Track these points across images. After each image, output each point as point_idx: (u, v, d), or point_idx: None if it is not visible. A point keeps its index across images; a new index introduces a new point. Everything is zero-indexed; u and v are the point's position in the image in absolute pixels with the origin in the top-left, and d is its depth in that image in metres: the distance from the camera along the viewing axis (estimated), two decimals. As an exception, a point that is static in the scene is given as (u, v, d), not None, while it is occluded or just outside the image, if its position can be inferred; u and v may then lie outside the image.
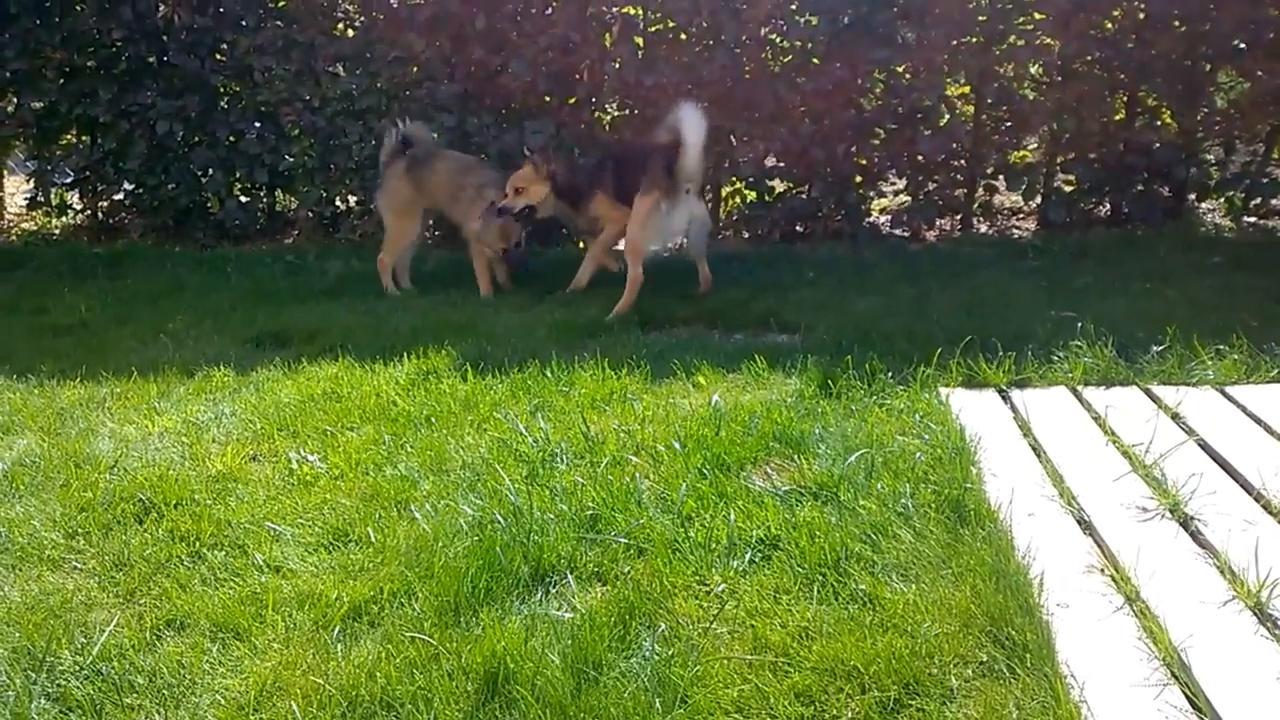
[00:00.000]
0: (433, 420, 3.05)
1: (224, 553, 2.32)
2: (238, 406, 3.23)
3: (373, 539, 2.34)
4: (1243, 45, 5.12)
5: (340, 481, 2.66)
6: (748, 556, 2.22)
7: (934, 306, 4.12)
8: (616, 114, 5.99)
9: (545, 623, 1.98)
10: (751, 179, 5.84)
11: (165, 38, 6.05)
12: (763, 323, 4.20)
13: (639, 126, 5.75)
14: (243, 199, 6.41)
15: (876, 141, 5.66)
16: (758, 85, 5.60)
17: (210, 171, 6.19)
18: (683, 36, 5.72)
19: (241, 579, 2.20)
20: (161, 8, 5.95)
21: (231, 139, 6.21)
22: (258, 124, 6.14)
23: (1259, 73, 5.22)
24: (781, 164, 5.80)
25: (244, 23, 6.06)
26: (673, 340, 3.95)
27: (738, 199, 6.06)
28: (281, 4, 6.00)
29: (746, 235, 6.00)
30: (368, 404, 3.20)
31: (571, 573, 2.17)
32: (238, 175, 6.28)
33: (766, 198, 5.89)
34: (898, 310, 4.14)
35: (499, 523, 2.34)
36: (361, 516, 2.46)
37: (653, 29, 5.78)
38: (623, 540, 2.29)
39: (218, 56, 6.14)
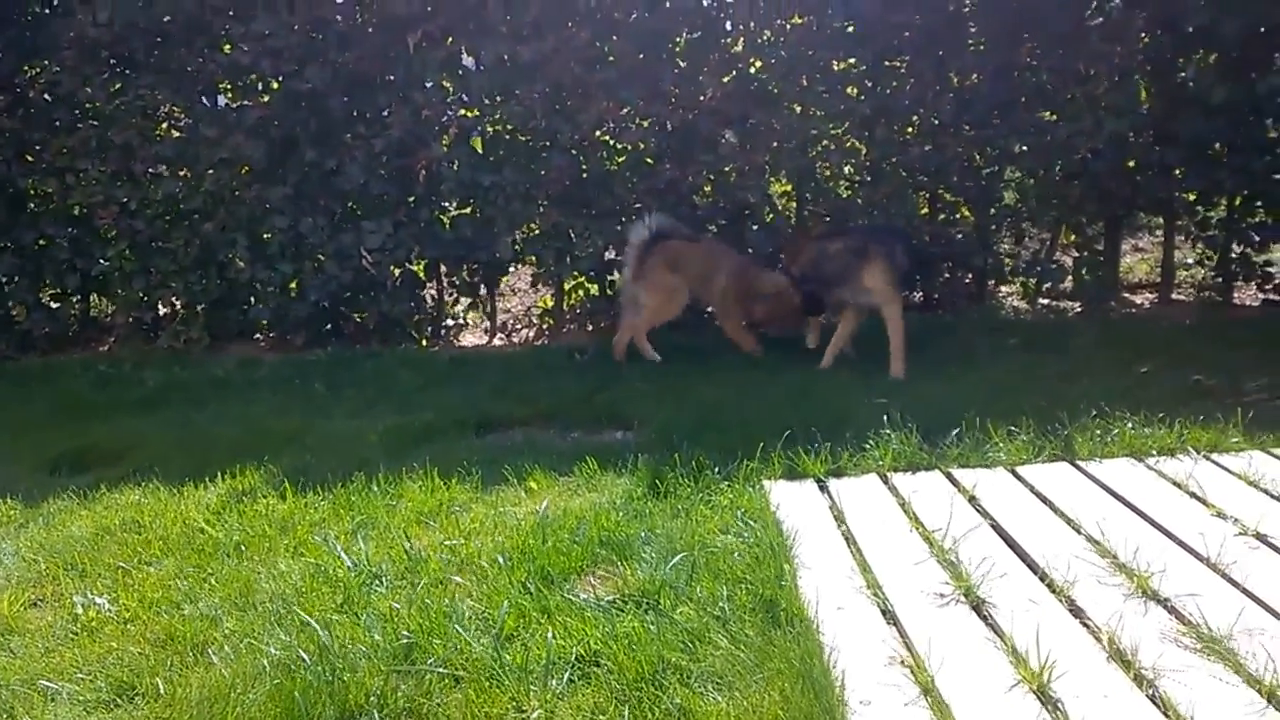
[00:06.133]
0: (243, 547, 2.89)
1: (-15, 722, 2.10)
2: (21, 544, 2.97)
3: (162, 690, 2.17)
4: (1024, 148, 5.69)
5: (130, 626, 2.47)
6: (566, 676, 2.18)
7: (763, 396, 4.27)
8: (457, 213, 6.02)
9: (344, 773, 1.88)
10: (593, 272, 5.98)
11: (-35, 139, 5.71)
12: (601, 419, 4.24)
13: (480, 226, 5.81)
14: (53, 305, 6.03)
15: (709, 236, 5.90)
16: (595, 184, 5.78)
17: (14, 278, 5.79)
18: (521, 138, 5.85)
19: (2, 752, 1.99)
20: (-36, 110, 5.63)
21: (41, 243, 5.87)
22: (70, 228, 5.84)
23: (1040, 171, 5.80)
24: (620, 257, 5.96)
25: (56, 123, 5.79)
26: (508, 443, 3.92)
27: (580, 292, 6.17)
28: (97, 105, 5.77)
29: (590, 328, 6.09)
30: (171, 533, 3.00)
31: (380, 711, 2.07)
32: (47, 281, 5.92)
33: (608, 291, 6.03)
34: (730, 400, 4.26)
35: (304, 661, 2.22)
36: (152, 665, 2.28)
37: (491, 130, 5.89)
38: (439, 670, 2.22)
39: (27, 158, 5.83)
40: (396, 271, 5.88)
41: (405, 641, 2.32)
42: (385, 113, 5.74)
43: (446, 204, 6.02)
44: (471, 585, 2.62)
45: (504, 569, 2.68)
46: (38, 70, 5.80)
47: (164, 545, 2.93)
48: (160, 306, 6.08)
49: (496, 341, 6.13)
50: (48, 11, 5.77)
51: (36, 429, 4.27)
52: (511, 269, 6.33)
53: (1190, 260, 6.40)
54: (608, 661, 2.22)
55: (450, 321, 6.20)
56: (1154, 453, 3.30)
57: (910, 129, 5.77)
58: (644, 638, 2.29)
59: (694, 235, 5.38)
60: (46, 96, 5.76)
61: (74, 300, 6.16)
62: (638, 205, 5.78)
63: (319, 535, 2.95)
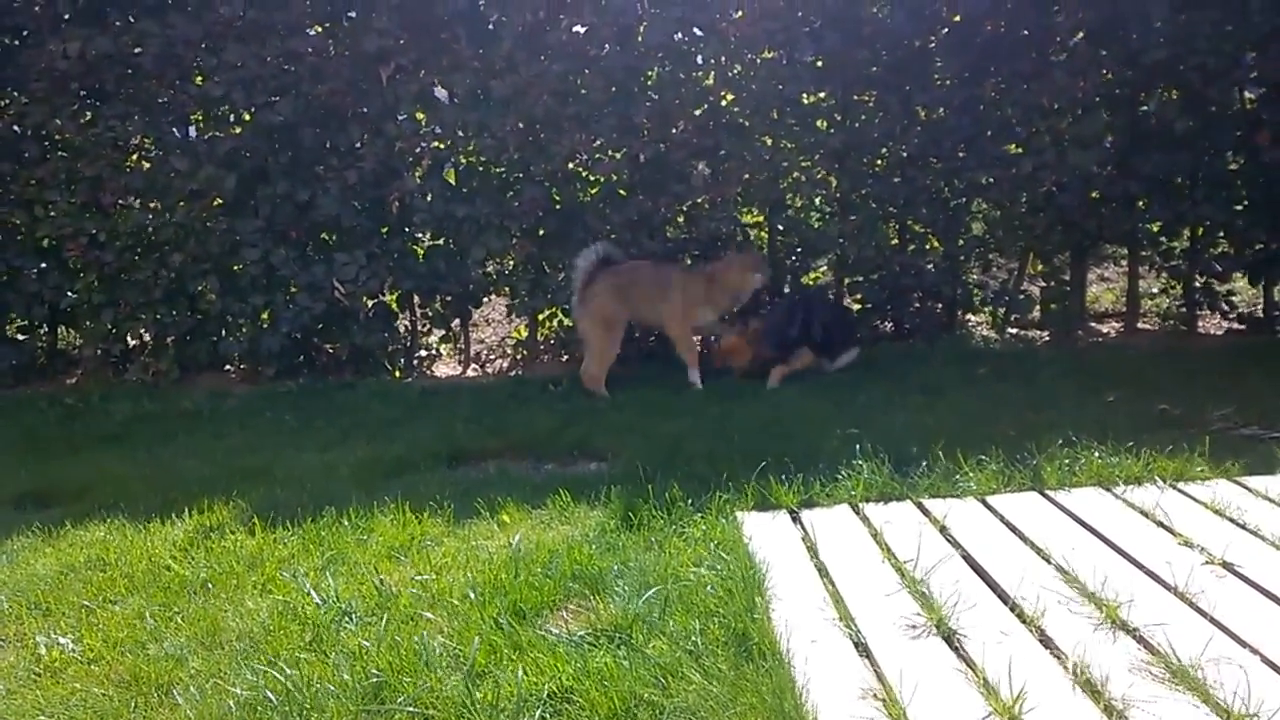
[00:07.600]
0: (210, 585, 2.85)
1: (-61, 771, 2.04)
2: (-18, 584, 2.90)
3: (124, 734, 2.12)
4: (991, 180, 5.79)
5: (95, 666, 2.42)
6: (538, 713, 2.16)
7: (735, 426, 4.27)
8: (430, 244, 6.02)
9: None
10: (566, 304, 5.98)
11: (-72, 172, 5.64)
12: (573, 451, 4.23)
13: (453, 257, 5.82)
14: (20, 338, 5.94)
15: (682, 268, 5.94)
16: (568, 216, 5.80)
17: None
18: (494, 170, 5.88)
19: (-44, 803, 1.93)
20: (-72, 142, 5.57)
21: (8, 275, 5.80)
22: (38, 260, 5.78)
23: (1007, 203, 5.91)
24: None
25: (25, 155, 5.74)
26: (481, 475, 3.90)
27: (553, 323, 6.17)
28: (66, 136, 5.73)
29: (565, 358, 6.09)
30: (137, 570, 2.95)
31: (348, 752, 2.04)
32: (14, 314, 5.84)
33: (581, 321, 6.03)
34: (702, 431, 4.26)
35: (272, 702, 2.18)
36: (116, 707, 2.24)
37: (464, 162, 5.91)
38: (409, 709, 2.19)
39: (-7, 190, 5.77)
40: (369, 303, 5.86)
41: (375, 680, 2.29)
42: (358, 144, 5.74)
43: (419, 235, 6.02)
44: (442, 621, 2.60)
45: (475, 604, 2.65)
46: (7, 102, 5.77)
47: (129, 583, 2.88)
48: (129, 339, 6.02)
49: (470, 372, 6.11)
50: (17, 43, 5.74)
51: (0, 464, 4.19)
52: (485, 300, 6.33)
53: (1155, 290, 6.53)
54: (580, 698, 2.20)
55: (423, 352, 6.18)
56: (1121, 482, 3.33)
57: (879, 161, 5.86)
58: (616, 673, 2.27)
59: (630, 258, 5.42)
60: (15, 128, 5.72)
61: (41, 333, 6.08)
62: (612, 236, 5.82)
63: (288, 572, 2.91)
